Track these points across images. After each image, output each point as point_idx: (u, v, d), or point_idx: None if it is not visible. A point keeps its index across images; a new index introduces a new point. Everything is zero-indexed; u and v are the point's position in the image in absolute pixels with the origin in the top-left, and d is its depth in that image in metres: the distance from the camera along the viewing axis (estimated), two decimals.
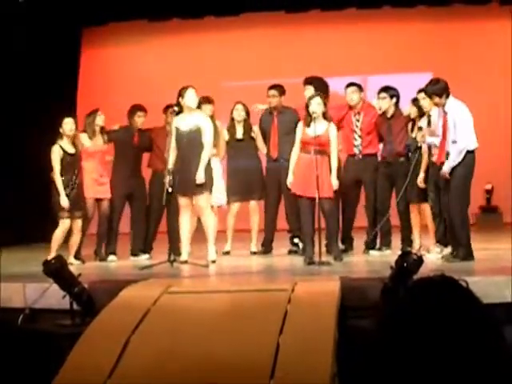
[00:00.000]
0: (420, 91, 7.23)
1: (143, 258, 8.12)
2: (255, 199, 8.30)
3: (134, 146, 8.36)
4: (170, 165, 7.34)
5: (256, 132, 8.34)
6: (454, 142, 6.67)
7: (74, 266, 7.11)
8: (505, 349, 1.44)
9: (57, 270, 5.27)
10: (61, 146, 7.75)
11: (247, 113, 8.33)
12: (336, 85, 8.45)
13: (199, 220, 7.68)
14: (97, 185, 8.08)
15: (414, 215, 7.55)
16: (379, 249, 7.82)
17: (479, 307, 1.48)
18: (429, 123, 7.17)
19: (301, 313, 4.27)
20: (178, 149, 7.39)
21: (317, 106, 7.21)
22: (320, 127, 7.18)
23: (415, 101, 7.37)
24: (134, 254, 8.28)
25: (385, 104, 7.71)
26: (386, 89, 7.78)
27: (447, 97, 6.74)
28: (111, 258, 8.15)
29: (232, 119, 8.35)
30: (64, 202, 7.61)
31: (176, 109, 7.42)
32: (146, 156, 8.63)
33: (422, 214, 7.50)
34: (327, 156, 7.25)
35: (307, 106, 7.28)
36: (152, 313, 4.39)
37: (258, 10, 11.39)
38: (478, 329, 1.43)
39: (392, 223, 7.86)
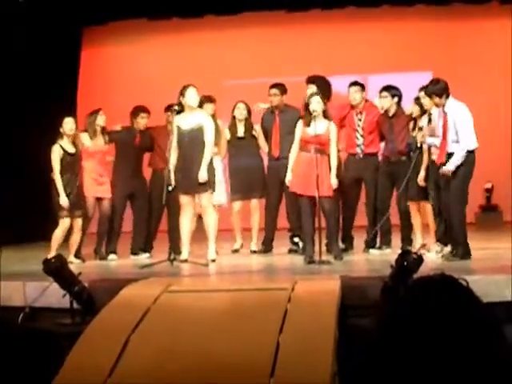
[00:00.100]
0: (422, 89, 7.23)
1: (143, 257, 8.12)
2: (256, 198, 8.30)
3: (135, 147, 8.35)
4: (172, 164, 7.35)
5: (258, 131, 8.33)
6: (456, 141, 6.68)
7: (74, 264, 7.11)
8: (505, 348, 1.44)
9: (57, 269, 5.27)
10: (61, 146, 7.75)
11: (249, 111, 8.33)
12: (336, 84, 8.44)
13: (199, 219, 7.68)
14: (97, 184, 8.07)
15: (413, 213, 7.55)
16: (379, 248, 7.82)
17: (479, 306, 1.48)
18: (429, 121, 7.17)
19: (301, 312, 4.27)
20: (180, 148, 7.40)
21: (317, 104, 7.21)
22: (320, 126, 7.18)
23: (418, 99, 7.37)
24: (134, 252, 8.28)
25: (386, 103, 7.71)
26: (387, 88, 7.78)
27: (447, 97, 6.75)
28: (111, 256, 8.15)
29: (233, 118, 8.35)
30: (63, 201, 7.62)
31: (176, 108, 7.43)
32: (146, 155, 8.63)
33: (422, 213, 7.51)
34: (327, 155, 7.25)
35: (307, 105, 7.28)
36: (152, 312, 4.39)
37: (259, 9, 11.39)
38: (478, 328, 1.43)
39: (392, 222, 7.86)
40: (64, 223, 7.69)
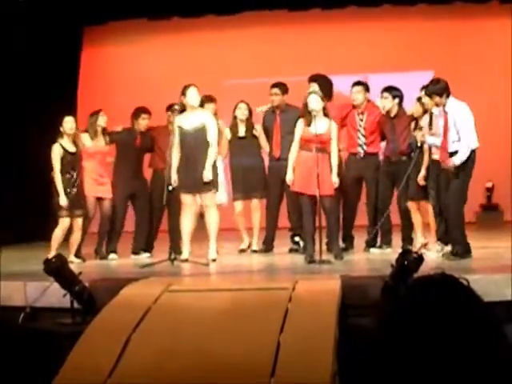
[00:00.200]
0: (423, 89, 7.23)
1: (144, 257, 8.13)
2: (257, 198, 8.30)
3: (136, 148, 8.34)
4: (174, 164, 7.35)
5: (259, 131, 8.33)
6: (457, 141, 6.69)
7: (74, 264, 7.11)
8: (505, 348, 1.44)
9: (57, 269, 5.28)
10: (61, 145, 7.75)
11: (250, 111, 8.33)
12: (337, 83, 8.43)
13: (199, 219, 7.68)
14: (97, 184, 8.07)
15: (413, 212, 7.55)
16: (380, 247, 7.82)
17: (480, 305, 1.48)
18: (431, 121, 7.16)
19: (301, 311, 4.27)
20: (182, 147, 7.40)
21: (316, 103, 7.21)
22: (321, 125, 7.18)
23: (420, 99, 7.37)
24: (135, 252, 8.28)
25: (388, 104, 7.71)
26: (388, 89, 7.78)
27: (447, 96, 6.76)
28: (112, 256, 8.15)
29: (234, 118, 8.34)
30: (63, 200, 7.61)
31: (177, 107, 7.42)
32: (146, 156, 8.62)
33: (422, 212, 7.51)
34: (328, 154, 7.26)
35: (306, 104, 7.27)
36: (153, 311, 4.39)
37: (259, 9, 11.38)
38: (478, 327, 1.42)
39: (393, 221, 7.86)
40: (63, 223, 7.69)
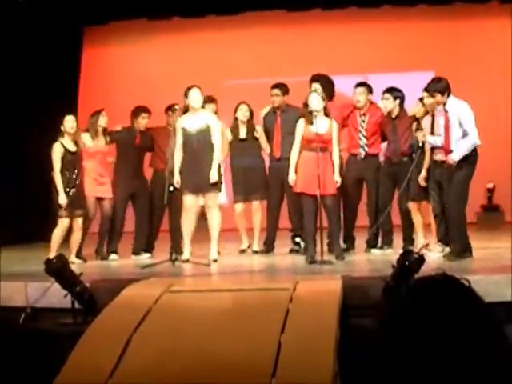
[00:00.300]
0: (425, 89, 7.24)
1: (145, 257, 8.12)
2: (258, 199, 8.29)
3: (136, 147, 8.34)
4: (177, 165, 7.35)
5: (260, 132, 8.32)
6: (461, 138, 6.70)
7: (75, 264, 7.11)
8: (506, 348, 1.43)
9: (58, 269, 5.28)
10: (62, 144, 7.74)
11: (251, 113, 8.32)
12: (337, 84, 8.42)
13: (201, 219, 7.67)
14: (97, 184, 8.07)
15: (414, 213, 7.55)
16: (381, 248, 7.82)
17: (481, 306, 1.48)
18: (433, 124, 7.16)
19: (302, 312, 4.27)
20: (185, 149, 7.39)
21: (316, 102, 7.20)
22: (322, 124, 7.18)
23: (422, 99, 7.36)
24: (136, 252, 8.28)
25: (389, 105, 7.71)
26: (389, 90, 7.78)
27: (448, 95, 6.76)
28: (113, 256, 8.15)
29: (235, 119, 8.33)
30: (62, 199, 7.60)
31: (177, 107, 7.42)
32: (147, 156, 8.62)
33: (423, 213, 7.50)
34: (329, 153, 7.26)
35: (306, 104, 7.27)
36: (153, 312, 4.39)
37: (259, 9, 11.38)
38: (479, 328, 1.42)
39: (394, 222, 7.86)
40: (63, 223, 7.68)
